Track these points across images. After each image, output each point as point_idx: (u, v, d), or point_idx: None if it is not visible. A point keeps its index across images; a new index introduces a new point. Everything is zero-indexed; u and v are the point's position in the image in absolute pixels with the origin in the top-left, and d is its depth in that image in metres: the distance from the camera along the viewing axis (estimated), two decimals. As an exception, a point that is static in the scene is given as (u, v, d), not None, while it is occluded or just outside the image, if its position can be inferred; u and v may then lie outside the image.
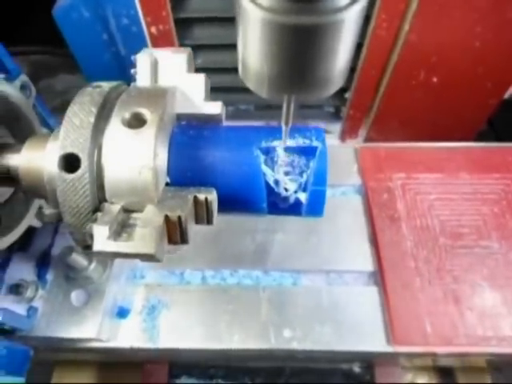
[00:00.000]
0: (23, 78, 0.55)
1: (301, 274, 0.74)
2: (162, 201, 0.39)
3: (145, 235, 0.35)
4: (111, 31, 0.78)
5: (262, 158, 0.43)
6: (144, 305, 0.70)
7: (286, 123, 0.38)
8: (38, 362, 0.78)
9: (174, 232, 0.38)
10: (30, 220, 0.57)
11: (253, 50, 0.29)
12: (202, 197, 0.40)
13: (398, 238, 0.75)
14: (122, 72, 0.85)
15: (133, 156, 0.37)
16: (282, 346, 0.66)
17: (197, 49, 0.82)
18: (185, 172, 0.42)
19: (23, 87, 0.55)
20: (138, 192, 0.38)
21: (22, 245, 0.67)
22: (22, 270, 0.65)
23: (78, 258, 0.62)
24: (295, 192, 0.43)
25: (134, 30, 0.76)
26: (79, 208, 0.38)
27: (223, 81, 0.86)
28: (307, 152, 0.43)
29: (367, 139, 1.00)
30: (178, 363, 0.84)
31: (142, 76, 0.45)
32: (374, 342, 0.66)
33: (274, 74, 0.29)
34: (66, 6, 0.75)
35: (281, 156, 0.43)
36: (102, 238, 0.35)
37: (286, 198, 0.44)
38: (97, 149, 0.39)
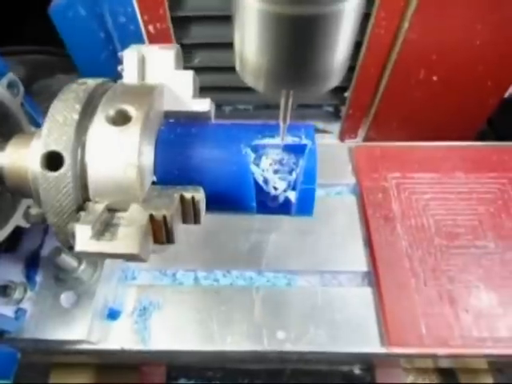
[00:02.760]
0: (10, 76, 0.54)
1: (295, 275, 0.73)
2: (148, 200, 0.38)
3: (128, 235, 0.34)
4: (108, 29, 0.77)
5: (251, 156, 0.42)
6: (135, 306, 0.69)
7: (284, 121, 0.37)
8: (32, 365, 0.78)
9: (160, 231, 0.37)
10: (17, 220, 0.56)
11: (250, 42, 0.28)
12: (188, 196, 0.39)
13: (393, 238, 0.75)
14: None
15: (117, 154, 0.37)
16: (275, 348, 0.65)
17: (194, 47, 0.81)
18: (172, 170, 0.41)
19: (10, 86, 0.54)
20: (122, 191, 0.37)
21: (11, 245, 0.66)
22: (10, 272, 0.64)
23: (68, 259, 0.61)
24: (284, 191, 0.42)
25: (131, 28, 0.75)
26: (62, 207, 0.37)
27: (221, 80, 0.86)
28: (296, 150, 0.42)
29: (366, 139, 0.99)
30: (175, 365, 0.83)
31: (129, 73, 0.44)
32: (368, 343, 0.65)
33: (271, 67, 0.28)
34: (62, 5, 0.74)
35: (270, 154, 0.42)
36: (84, 237, 0.34)
37: (275, 197, 0.43)
38: (80, 147, 0.38)
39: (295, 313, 0.68)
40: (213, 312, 0.68)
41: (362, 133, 0.99)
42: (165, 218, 0.36)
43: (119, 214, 0.37)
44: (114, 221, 0.36)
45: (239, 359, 0.72)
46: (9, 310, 0.60)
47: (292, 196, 0.42)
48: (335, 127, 0.99)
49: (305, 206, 0.43)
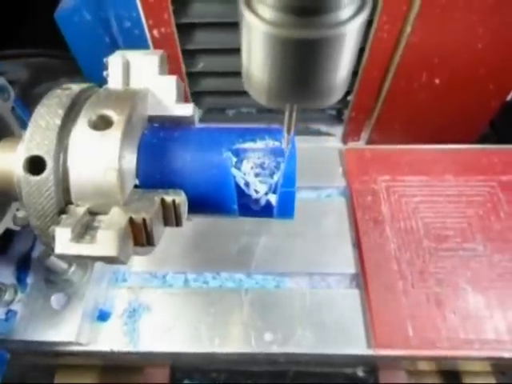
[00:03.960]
0: (0, 80, 0.55)
1: (284, 277, 0.74)
2: (129, 203, 0.39)
3: (107, 237, 0.35)
4: (113, 34, 0.78)
5: (233, 159, 0.43)
6: (125, 308, 0.69)
7: (288, 131, 0.38)
8: (37, 366, 0.78)
9: (140, 234, 0.38)
10: (7, 223, 0.57)
11: (255, 60, 0.29)
12: (169, 199, 0.39)
13: (382, 241, 0.75)
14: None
15: (98, 158, 0.37)
16: (263, 350, 0.66)
17: (199, 53, 0.82)
18: (154, 174, 0.42)
19: (1, 90, 0.55)
20: (103, 194, 0.38)
21: (1, 248, 0.67)
22: (0, 273, 0.65)
23: (57, 261, 0.61)
24: (266, 194, 0.43)
25: (135, 32, 0.76)
26: (44, 210, 0.38)
27: (224, 84, 0.86)
28: (277, 153, 0.42)
29: (369, 142, 0.99)
30: (179, 366, 0.83)
31: (114, 78, 0.45)
32: (355, 345, 0.66)
33: (276, 84, 0.29)
34: (69, 9, 0.75)
35: (251, 158, 0.43)
36: (64, 240, 0.35)
37: (256, 200, 0.44)
38: (63, 151, 0.38)
39: (283, 315, 0.69)
40: (202, 314, 0.69)
41: (365, 135, 0.99)
42: (144, 220, 0.37)
43: (100, 217, 0.38)
44: (95, 224, 0.37)
45: (228, 361, 0.72)
46: (-1, 312, 0.60)
47: (273, 199, 0.43)
48: (338, 130, 0.99)
49: (285, 209, 0.44)
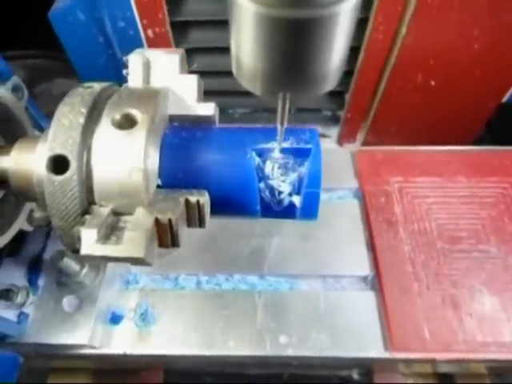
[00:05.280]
0: (15, 80, 0.55)
1: (297, 279, 0.73)
2: (153, 203, 0.38)
3: (134, 239, 0.34)
4: (107, 34, 0.77)
5: (256, 159, 0.42)
6: (137, 310, 0.69)
7: (282, 124, 0.37)
8: (29, 370, 0.77)
9: (165, 235, 0.37)
10: (20, 224, 0.56)
11: (246, 45, 0.28)
12: (193, 199, 0.39)
13: (396, 243, 0.74)
14: (119, 75, 0.84)
15: (123, 157, 0.37)
16: (278, 353, 0.65)
17: (193, 52, 0.81)
18: (176, 174, 0.41)
19: (15, 89, 0.55)
20: (127, 194, 0.37)
21: (13, 249, 0.66)
22: (12, 275, 0.64)
23: (70, 263, 0.60)
24: (289, 195, 0.42)
25: (130, 32, 0.76)
26: (68, 211, 0.37)
27: (219, 84, 0.86)
28: (301, 153, 0.42)
29: (365, 143, 0.99)
30: (173, 371, 0.82)
31: (134, 77, 0.44)
32: (371, 348, 0.65)
33: (267, 70, 0.28)
34: (62, 9, 0.74)
35: (275, 158, 0.42)
36: (90, 241, 0.34)
37: (279, 201, 0.43)
38: (86, 150, 0.38)
39: (297, 317, 0.68)
40: (215, 316, 0.68)
41: (360, 137, 0.99)
42: (170, 221, 0.36)
43: (125, 218, 0.37)
44: (120, 224, 0.36)
45: (241, 364, 0.72)
46: (11, 314, 0.59)
47: (296, 200, 0.42)
48: (334, 131, 0.99)
49: (309, 209, 0.43)
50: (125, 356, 0.65)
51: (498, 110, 0.91)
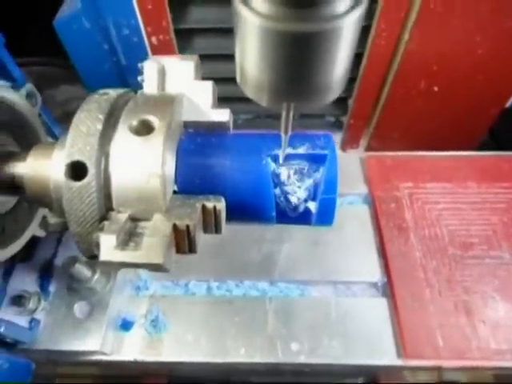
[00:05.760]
0: (29, 86, 0.55)
1: (308, 286, 0.73)
2: (170, 209, 0.38)
3: (153, 245, 0.34)
4: (112, 41, 0.78)
5: (272, 165, 0.42)
6: (148, 317, 0.68)
7: (285, 132, 0.37)
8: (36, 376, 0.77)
9: (182, 241, 0.37)
10: (33, 230, 0.56)
11: (250, 57, 0.28)
12: (210, 205, 0.39)
13: (407, 249, 0.74)
14: (123, 82, 0.85)
15: (141, 163, 0.37)
16: (290, 360, 0.64)
17: None
18: (193, 180, 0.41)
19: (29, 96, 0.55)
20: (145, 200, 0.37)
21: (25, 255, 0.66)
22: (24, 281, 0.64)
23: (82, 269, 0.60)
24: (305, 201, 0.42)
25: (134, 40, 0.76)
26: (85, 217, 0.38)
27: (223, 91, 0.86)
28: (317, 159, 0.42)
29: (368, 149, 0.99)
30: (177, 378, 0.82)
31: (149, 83, 0.44)
32: (384, 355, 0.64)
33: (272, 81, 0.29)
34: (67, 17, 0.75)
35: (290, 164, 0.42)
36: (108, 247, 0.34)
37: (295, 207, 0.43)
38: (104, 156, 0.38)
39: (309, 324, 0.68)
40: (226, 323, 0.68)
41: (363, 143, 0.99)
42: (188, 227, 0.36)
43: (142, 224, 0.37)
44: (138, 230, 0.36)
45: (245, 371, 0.71)
46: (23, 321, 0.59)
47: (312, 206, 0.42)
48: (337, 137, 0.99)
49: (325, 216, 0.43)
50: (135, 363, 0.65)
51: (501, 116, 0.91)
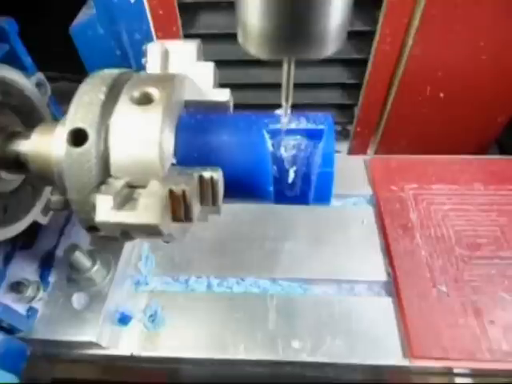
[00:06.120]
0: (39, 75, 0.57)
1: (311, 284, 0.71)
2: (167, 177, 0.38)
3: (149, 205, 0.34)
4: (124, 47, 0.81)
5: (269, 141, 0.42)
6: (147, 312, 0.67)
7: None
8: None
9: (179, 207, 0.37)
10: (35, 214, 0.57)
11: (251, 6, 0.29)
12: (207, 175, 0.39)
13: (412, 248, 0.72)
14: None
15: (139, 131, 0.37)
16: (291, 358, 0.62)
17: None
18: (191, 153, 0.42)
19: (39, 84, 0.57)
20: (143, 167, 0.37)
21: (27, 243, 0.66)
22: (24, 269, 0.64)
23: (81, 258, 0.60)
24: (302, 176, 0.42)
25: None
26: (84, 183, 0.38)
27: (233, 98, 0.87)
28: (314, 135, 0.42)
29: None
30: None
31: (152, 64, 0.46)
32: (389, 355, 0.62)
33: (272, 28, 0.29)
34: (83, 24, 0.78)
35: (288, 139, 0.42)
36: (105, 208, 0.34)
37: (292, 185, 0.43)
38: (105, 125, 0.39)
39: (311, 322, 0.66)
40: (226, 319, 0.66)
41: (370, 152, 0.99)
42: (184, 193, 0.36)
43: (139, 190, 0.37)
44: (134, 195, 0.37)
45: (245, 377, 0.68)
46: (21, 308, 0.59)
47: (309, 181, 0.42)
48: (344, 146, 0.99)
49: (322, 191, 0.43)
50: (132, 358, 0.63)
51: (507, 125, 0.90)
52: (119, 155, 0.38)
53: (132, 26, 0.76)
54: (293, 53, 0.32)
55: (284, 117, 0.40)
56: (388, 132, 0.92)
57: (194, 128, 0.43)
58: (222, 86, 0.86)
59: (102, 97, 0.39)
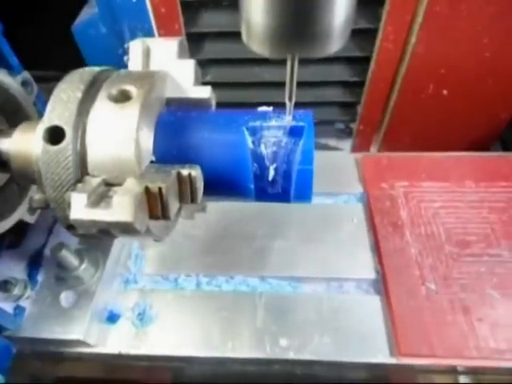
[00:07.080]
0: (25, 74, 0.57)
1: (300, 282, 0.71)
2: (145, 175, 0.38)
3: (122, 202, 0.34)
4: (126, 45, 0.81)
5: (249, 139, 0.42)
6: (135, 310, 0.67)
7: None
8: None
9: (155, 205, 0.37)
10: (22, 213, 0.57)
11: (255, 4, 0.29)
12: (185, 172, 0.39)
13: (402, 246, 0.72)
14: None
15: (116, 129, 0.37)
16: (278, 356, 0.62)
17: (208, 63, 0.83)
18: (170, 150, 0.42)
19: (24, 83, 0.57)
20: (119, 164, 0.37)
21: (14, 242, 0.66)
22: (12, 268, 0.64)
23: (68, 256, 0.60)
24: (283, 173, 0.42)
25: None
26: (61, 181, 0.38)
27: (234, 95, 0.87)
28: (294, 132, 0.42)
29: None
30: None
31: (134, 62, 0.46)
32: (377, 353, 0.62)
33: (276, 26, 0.29)
34: (85, 23, 0.78)
35: (267, 136, 0.42)
36: (79, 205, 0.34)
37: (273, 182, 0.43)
38: (82, 123, 0.39)
39: (300, 320, 0.66)
40: (214, 317, 0.66)
41: (373, 150, 0.98)
42: (160, 190, 0.36)
43: (115, 188, 0.37)
44: (110, 193, 0.37)
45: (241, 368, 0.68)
46: (8, 306, 0.59)
47: (289, 179, 0.42)
48: (347, 144, 0.99)
49: (303, 189, 0.43)
50: (120, 356, 0.63)
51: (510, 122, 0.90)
52: (96, 153, 0.38)
53: (134, 24, 0.76)
54: (297, 51, 0.32)
55: (287, 115, 0.40)
56: (391, 130, 0.92)
57: (174, 125, 0.43)
58: (224, 84, 0.86)
59: (80, 94, 0.39)
